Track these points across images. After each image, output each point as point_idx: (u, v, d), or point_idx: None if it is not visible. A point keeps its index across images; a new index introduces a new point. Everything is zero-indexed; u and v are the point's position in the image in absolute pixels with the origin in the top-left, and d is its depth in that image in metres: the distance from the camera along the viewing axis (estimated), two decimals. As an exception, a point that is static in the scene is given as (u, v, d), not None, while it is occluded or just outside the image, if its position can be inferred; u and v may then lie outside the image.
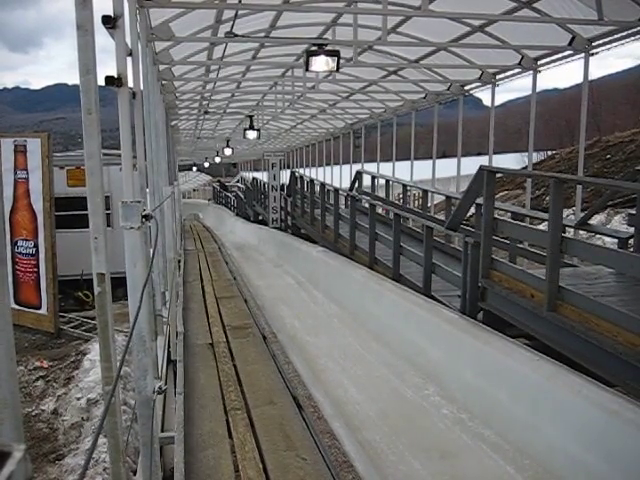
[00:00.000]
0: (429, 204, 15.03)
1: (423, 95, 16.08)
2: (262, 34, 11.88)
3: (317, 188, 16.83)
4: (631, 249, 7.47)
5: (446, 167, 18.42)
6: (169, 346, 6.69)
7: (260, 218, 25.09)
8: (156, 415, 3.54)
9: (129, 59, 4.89)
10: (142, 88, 6.09)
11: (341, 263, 11.46)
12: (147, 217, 3.18)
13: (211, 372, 6.47)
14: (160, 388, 3.41)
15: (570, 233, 9.17)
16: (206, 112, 20.12)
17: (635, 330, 5.03)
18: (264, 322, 8.40)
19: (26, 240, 11.29)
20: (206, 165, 49.32)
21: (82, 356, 8.79)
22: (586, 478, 4.47)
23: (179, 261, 12.48)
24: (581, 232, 9.89)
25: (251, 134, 19.05)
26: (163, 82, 12.43)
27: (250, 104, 19.30)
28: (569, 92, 40.03)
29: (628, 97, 35.69)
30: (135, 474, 4.50)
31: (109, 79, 3.69)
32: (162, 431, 4.86)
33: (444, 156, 21.96)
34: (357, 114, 21.24)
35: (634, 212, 7.61)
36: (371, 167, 20.98)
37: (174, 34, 9.23)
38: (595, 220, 14.70)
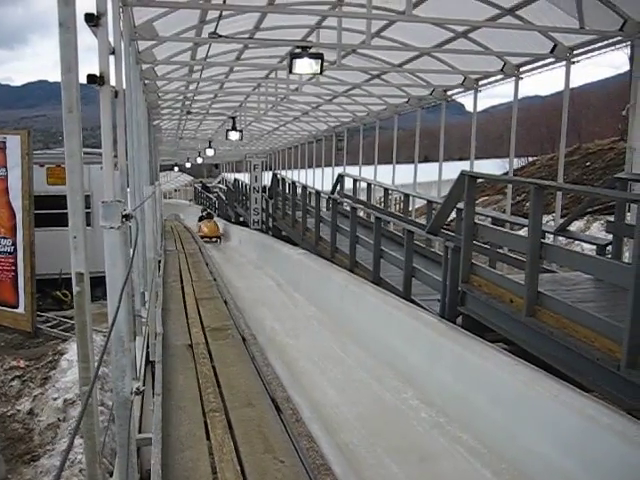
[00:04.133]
0: (410, 208, 15.08)
1: (406, 99, 16.14)
2: (246, 35, 11.87)
3: (299, 190, 16.83)
4: (609, 256, 7.54)
5: (428, 171, 18.45)
6: (148, 347, 6.64)
7: (241, 219, 25.19)
8: (134, 416, 3.52)
9: (112, 58, 4.86)
10: (124, 87, 6.05)
11: (322, 266, 11.45)
12: (127, 217, 3.16)
13: (190, 373, 6.43)
14: (138, 389, 3.39)
15: (549, 239, 9.23)
16: (189, 112, 20.08)
17: (612, 336, 5.08)
18: (244, 324, 8.38)
19: (4, 238, 11.16)
20: (188, 165, 49.09)
21: (59, 356, 8.71)
22: (562, 482, 4.50)
23: (159, 261, 12.41)
24: (560, 238, 9.97)
25: (233, 135, 19.01)
26: (146, 81, 12.36)
27: (233, 105, 19.26)
28: (550, 99, 40.33)
29: (608, 106, 35.99)
30: (112, 476, 4.47)
31: (91, 77, 3.66)
32: (139, 432, 4.83)
33: (426, 160, 22.04)
34: (340, 117, 21.28)
35: (613, 219, 7.68)
36: (353, 170, 21.01)
37: (157, 33, 9.19)
38: (574, 227, 14.83)
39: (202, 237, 23.06)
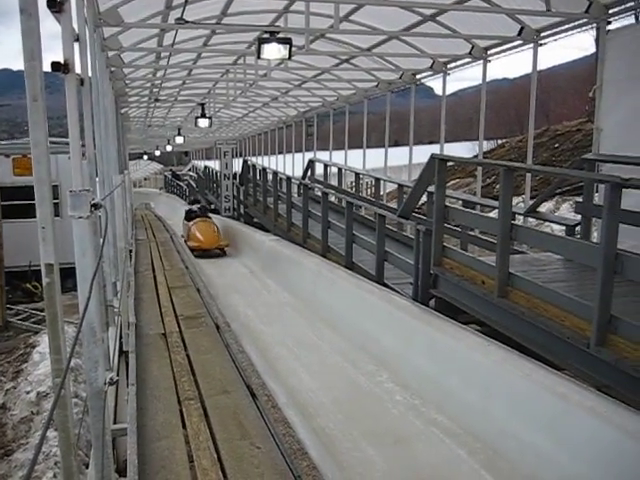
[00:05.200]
0: (381, 192, 15.10)
1: (375, 83, 16.13)
2: (213, 21, 11.75)
3: (270, 177, 16.78)
4: (578, 236, 7.63)
5: (398, 155, 18.52)
6: (121, 337, 6.60)
7: (212, 207, 24.89)
8: (108, 407, 3.49)
9: (76, 45, 4.79)
10: (90, 75, 5.96)
11: (294, 251, 11.45)
12: (96, 206, 3.12)
13: (164, 362, 6.40)
14: (112, 379, 3.37)
15: (520, 220, 9.32)
16: (157, 100, 19.87)
17: (582, 315, 5.15)
18: (217, 311, 8.35)
19: (-29, 230, 10.99)
20: (157, 153, 48.71)
21: (31, 349, 8.63)
22: (535, 459, 4.57)
23: (130, 251, 12.31)
24: (530, 219, 10.06)
25: (203, 122, 18.85)
26: (112, 69, 12.20)
27: (202, 92, 19.11)
28: (519, 82, 40.62)
29: (575, 87, 36.32)
30: (87, 467, 4.44)
31: (55, 65, 3.60)
32: (115, 423, 4.81)
33: (396, 144, 22.09)
34: (309, 102, 21.21)
35: (581, 200, 7.77)
36: (324, 155, 20.98)
37: (123, 20, 9.06)
38: (544, 208, 14.96)
39: (193, 249, 15.40)
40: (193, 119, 20.25)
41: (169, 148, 39.63)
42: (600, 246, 4.94)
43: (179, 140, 27.52)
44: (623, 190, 4.92)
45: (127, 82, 15.39)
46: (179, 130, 27.06)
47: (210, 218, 17.50)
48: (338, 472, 4.28)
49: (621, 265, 4.79)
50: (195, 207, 19.01)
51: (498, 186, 9.21)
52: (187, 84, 17.74)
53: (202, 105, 19.21)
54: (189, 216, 17.82)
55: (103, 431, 3.26)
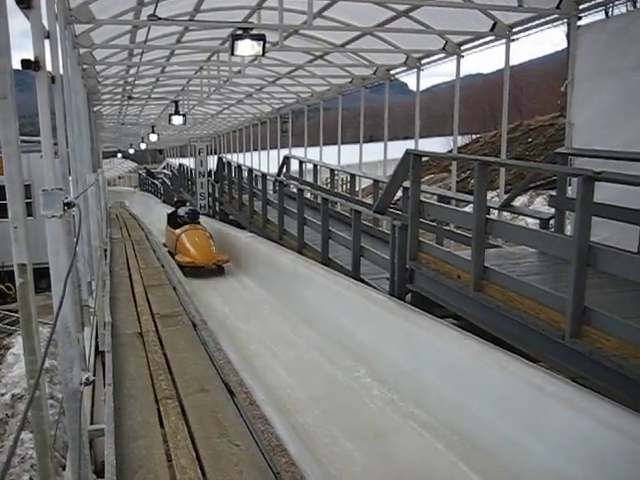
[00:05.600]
0: (357, 188, 15.13)
1: (349, 79, 16.12)
2: (186, 17, 11.66)
3: (245, 174, 16.73)
4: (552, 229, 7.70)
5: (373, 151, 18.54)
6: (97, 337, 6.55)
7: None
8: (84, 407, 3.47)
9: (47, 42, 4.73)
10: (62, 72, 5.90)
11: (270, 248, 11.43)
12: (70, 205, 3.08)
13: (141, 362, 6.36)
14: (88, 379, 3.34)
15: (494, 215, 9.38)
16: (130, 97, 19.69)
17: (556, 307, 5.20)
18: (194, 309, 8.31)
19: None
20: (131, 152, 48.32)
21: (5, 350, 8.54)
22: (511, 451, 4.62)
23: (105, 250, 12.21)
24: (505, 214, 10.14)
25: (177, 120, 18.74)
26: (84, 66, 12.06)
27: (175, 89, 18.96)
28: (492, 77, 40.84)
29: (548, 82, 36.62)
30: (64, 469, 4.40)
31: (26, 62, 3.55)
32: (92, 424, 4.77)
33: (371, 140, 22.09)
34: (284, 99, 21.16)
35: (555, 194, 7.84)
36: (299, 152, 20.97)
37: (94, 16, 8.95)
38: (518, 202, 15.08)
39: (183, 266, 12.50)
40: (167, 116, 20.13)
41: (143, 146, 39.30)
42: (573, 239, 4.99)
43: (153, 138, 27.28)
44: (595, 183, 4.98)
45: (100, 80, 15.21)
46: (153, 128, 26.84)
47: (201, 224, 14.76)
48: (317, 468, 4.28)
49: (594, 257, 4.85)
50: (183, 211, 15.18)
51: (473, 181, 9.26)
52: (161, 81, 17.59)
53: (176, 102, 19.09)
54: (175, 222, 14.77)
55: (80, 432, 3.24)
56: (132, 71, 16.15)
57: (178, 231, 14.15)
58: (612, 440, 3.97)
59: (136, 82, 17.42)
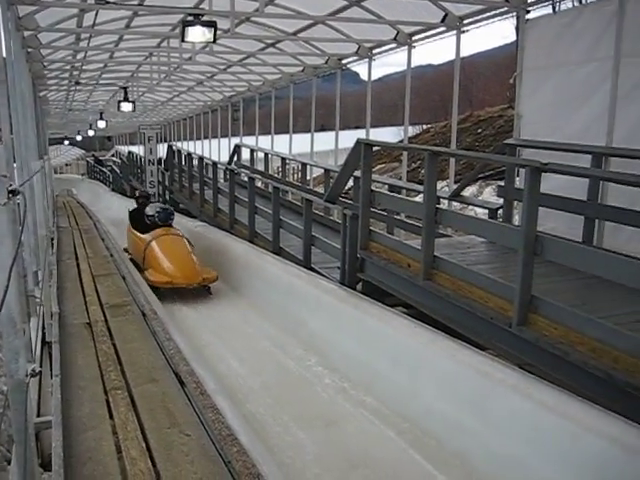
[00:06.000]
0: (308, 177, 15.13)
1: (301, 68, 16.10)
2: (135, 2, 11.46)
3: (195, 162, 16.57)
4: (500, 219, 7.84)
5: (325, 140, 18.57)
6: (44, 327, 6.42)
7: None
8: (31, 400, 3.40)
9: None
10: (5, 55, 5.74)
11: (221, 237, 11.35)
12: (14, 192, 3.01)
13: (89, 352, 6.26)
14: (34, 371, 3.27)
15: (444, 204, 9.49)
16: (77, 83, 19.29)
17: (504, 295, 5.30)
18: (143, 299, 8.20)
19: None
20: (79, 139, 47.38)
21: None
22: (461, 436, 4.70)
23: (52, 239, 11.96)
24: (455, 203, 10.27)
25: (126, 106, 18.44)
26: (29, 50, 11.77)
27: (124, 75, 18.66)
28: (443, 68, 41.15)
29: (497, 74, 37.16)
30: (10, 463, 4.31)
31: (-33, 45, 3.45)
32: (38, 416, 4.68)
33: (323, 129, 22.11)
34: (235, 87, 21.03)
35: (503, 184, 7.97)
36: (250, 140, 20.87)
37: (39, -2, 8.74)
38: (468, 192, 15.34)
39: (157, 286, 9.34)
40: (116, 103, 19.77)
41: (91, 133, 38.52)
42: (521, 228, 5.08)
43: (101, 125, 26.81)
44: (542, 174, 5.07)
45: (45, 64, 14.85)
46: (101, 114, 26.36)
47: (171, 225, 11.13)
48: (269, 456, 4.27)
49: (541, 247, 4.94)
50: (152, 209, 11.37)
51: (423, 171, 9.34)
52: (109, 67, 17.27)
53: (125, 89, 18.79)
54: (140, 224, 11.38)
55: (25, 424, 3.17)
56: (79, 56, 15.80)
57: (146, 237, 10.64)
58: (555, 423, 4.07)
59: (84, 67, 17.06)
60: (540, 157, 5.99)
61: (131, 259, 11.15)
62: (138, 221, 11.59)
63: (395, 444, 5.00)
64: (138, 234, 11.19)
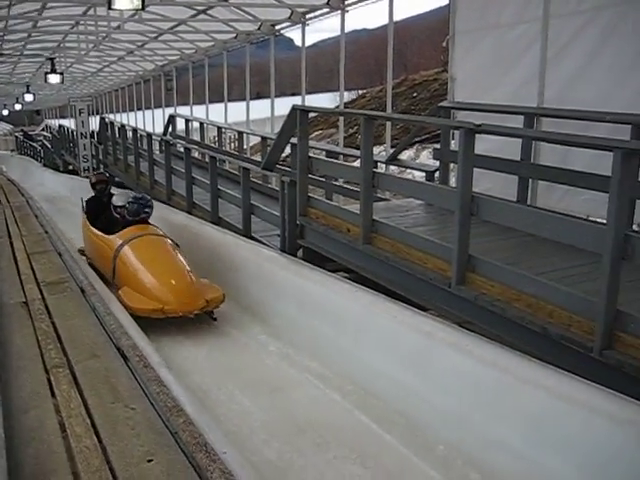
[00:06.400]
0: (245, 146, 15.00)
1: (234, 35, 15.88)
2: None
3: (129, 134, 16.24)
4: (437, 181, 7.94)
5: (261, 108, 18.43)
6: (-23, 308, 6.25)
7: (71, 168, 23.72)
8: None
9: None
10: None
11: (158, 209, 11.18)
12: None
13: (28, 332, 6.11)
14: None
15: (382, 169, 9.55)
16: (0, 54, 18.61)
17: (442, 256, 5.39)
18: (81, 275, 8.06)
19: None
20: (5, 113, 45.87)
21: None
22: (405, 395, 4.79)
23: (-18, 218, 11.59)
24: (393, 168, 10.34)
25: (53, 78, 17.91)
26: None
27: (50, 45, 18.08)
28: (377, 32, 41.13)
29: (431, 38, 37.34)
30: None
31: None
32: (-24, 399, 4.57)
33: (258, 97, 21.90)
34: (167, 55, 20.64)
35: (439, 147, 8.06)
36: (184, 110, 20.54)
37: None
38: (405, 156, 15.46)
39: (143, 313, 6.70)
40: (43, 75, 19.16)
41: (18, 107, 37.35)
42: (457, 190, 5.15)
43: (28, 98, 26.00)
44: (477, 136, 5.14)
45: (-36, 34, 14.29)
46: (28, 87, 25.53)
47: (147, 223, 8.19)
48: (215, 425, 4.28)
49: (477, 207, 5.03)
50: (119, 199, 8.34)
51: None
52: (34, 37, 16.70)
53: (52, 60, 18.22)
54: (102, 219, 8.68)
55: (-39, 408, 3.10)
56: (0, 25, 15.20)
57: (115, 239, 7.79)
58: (495, 378, 4.18)
59: (5, 37, 16.42)
60: (474, 119, 6.05)
61: (90, 264, 8.47)
62: (99, 215, 8.75)
63: (341, 406, 5.07)
64: (101, 235, 8.24)
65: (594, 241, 4.21)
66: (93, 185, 9.65)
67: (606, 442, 3.54)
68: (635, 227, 6.01)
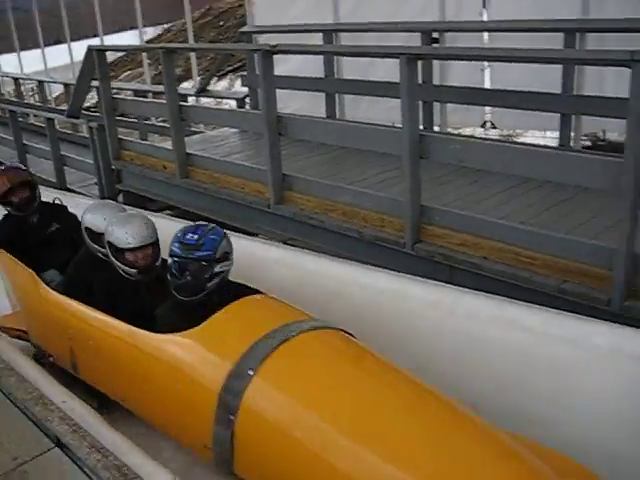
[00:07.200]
0: (49, 97, 14.18)
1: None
2: None
3: None
4: (248, 107, 7.95)
5: (62, 55, 17.34)
6: None
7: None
8: None
9: None
10: None
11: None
12: None
13: None
14: None
15: (193, 101, 9.42)
16: None
17: (259, 179, 5.52)
18: None
19: None
20: None
21: None
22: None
23: None
24: (207, 100, 10.23)
25: None
26: None
27: None
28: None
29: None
30: None
31: None
32: None
33: (58, 43, 20.58)
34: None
35: (246, 74, 8.04)
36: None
37: None
38: (220, 87, 15.26)
39: None
40: None
41: None
42: (262, 112, 5.22)
43: None
44: (280, 57, 5.18)
45: None
46: None
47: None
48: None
49: (284, 127, 5.15)
50: (148, 234, 3.73)
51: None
52: None
53: None
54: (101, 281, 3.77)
55: None
56: None
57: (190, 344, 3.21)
58: (321, 284, 4.24)
59: None
60: (277, 41, 6.08)
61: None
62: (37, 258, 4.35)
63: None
64: (141, 333, 3.32)
65: (394, 144, 4.45)
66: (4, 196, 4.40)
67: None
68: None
